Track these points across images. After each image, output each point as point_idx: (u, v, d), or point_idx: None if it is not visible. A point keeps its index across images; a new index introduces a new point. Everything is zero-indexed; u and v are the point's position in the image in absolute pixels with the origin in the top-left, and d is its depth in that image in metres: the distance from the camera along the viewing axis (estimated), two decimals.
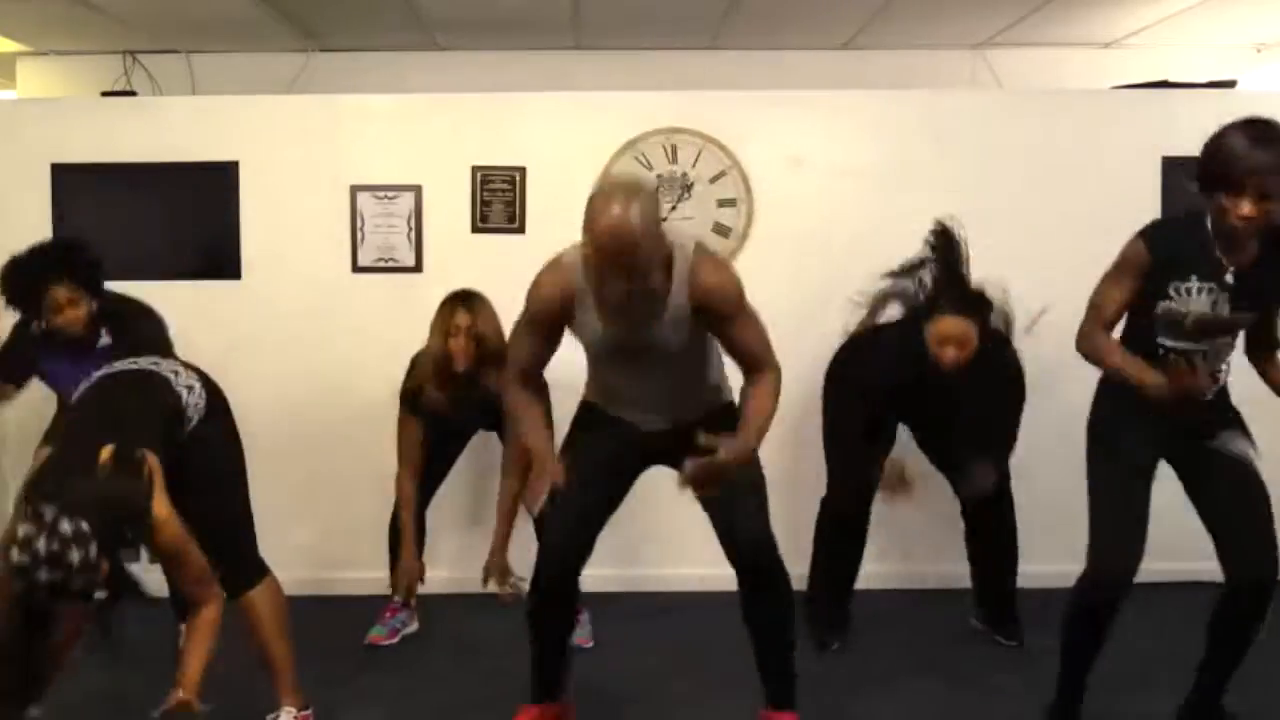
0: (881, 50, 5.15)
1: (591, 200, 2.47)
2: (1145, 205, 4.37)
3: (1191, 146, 2.68)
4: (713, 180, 4.43)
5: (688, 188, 4.42)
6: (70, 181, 4.34)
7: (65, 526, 2.30)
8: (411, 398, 3.78)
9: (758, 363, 2.68)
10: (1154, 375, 2.62)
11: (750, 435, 2.63)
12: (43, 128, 4.34)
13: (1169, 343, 2.66)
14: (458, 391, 3.71)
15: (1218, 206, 2.55)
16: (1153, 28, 4.82)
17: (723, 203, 4.43)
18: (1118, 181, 4.37)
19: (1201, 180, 2.59)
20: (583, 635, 3.76)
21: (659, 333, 2.63)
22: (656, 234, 2.47)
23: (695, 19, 4.70)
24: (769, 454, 2.76)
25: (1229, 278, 2.62)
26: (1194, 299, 2.62)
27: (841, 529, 3.82)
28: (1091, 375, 2.90)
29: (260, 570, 2.96)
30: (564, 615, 2.87)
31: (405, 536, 3.83)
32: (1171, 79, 4.55)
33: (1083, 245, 4.36)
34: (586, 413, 2.91)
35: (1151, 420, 2.69)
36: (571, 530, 2.75)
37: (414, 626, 3.95)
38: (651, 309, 2.59)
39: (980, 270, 4.38)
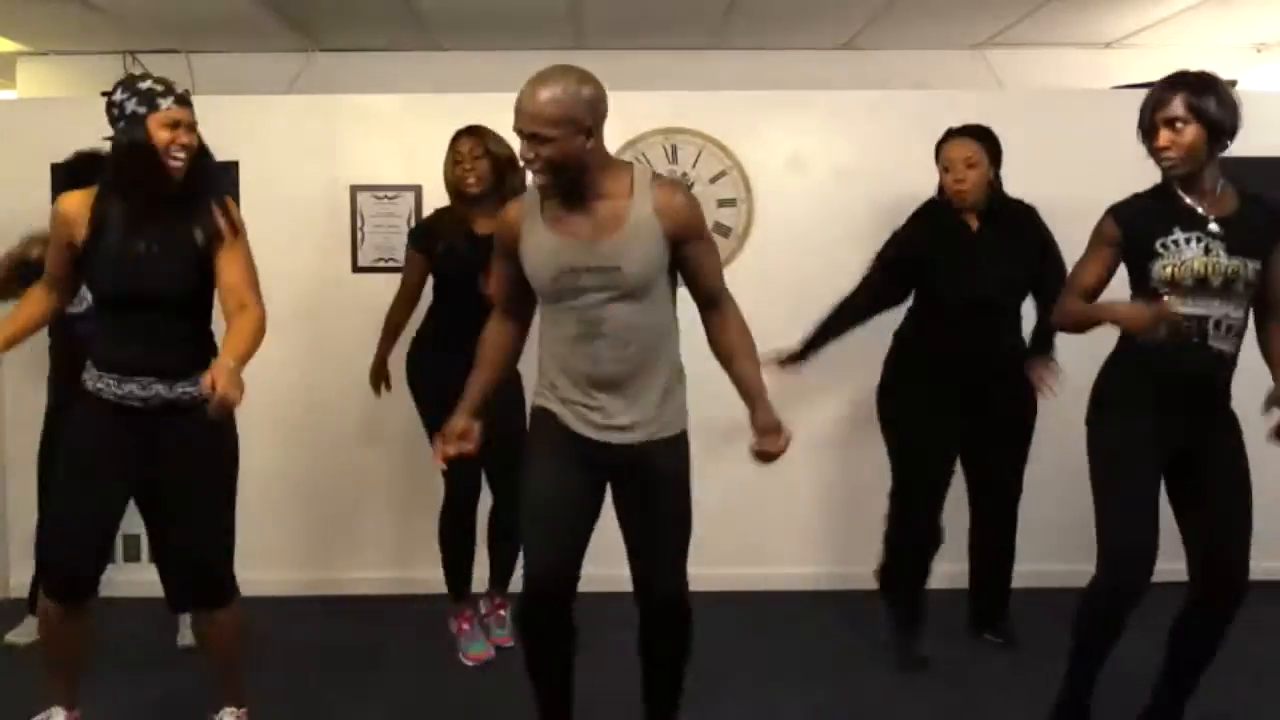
0: (881, 50, 5.15)
1: None
2: None
3: None
4: (713, 180, 4.43)
5: (688, 188, 4.42)
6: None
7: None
8: (422, 235, 3.78)
9: (719, 294, 2.61)
10: (1132, 309, 2.65)
11: (766, 405, 2.56)
12: (43, 128, 4.33)
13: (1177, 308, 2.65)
14: (484, 214, 3.58)
15: (1154, 158, 2.70)
16: (1153, 28, 4.82)
17: (723, 203, 4.43)
18: (1118, 182, 4.33)
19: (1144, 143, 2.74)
20: None
21: (622, 249, 2.45)
22: (577, 101, 2.38)
23: (695, 19, 4.70)
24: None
25: (1213, 225, 2.65)
26: (1185, 249, 2.65)
27: (909, 532, 3.70)
28: (1092, 371, 2.90)
29: (233, 589, 2.83)
30: (562, 643, 2.68)
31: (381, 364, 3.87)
32: None
33: (1083, 246, 4.33)
34: (539, 426, 2.65)
35: (1154, 419, 2.69)
36: (555, 553, 2.59)
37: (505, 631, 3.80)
38: (608, 214, 2.46)
39: None
